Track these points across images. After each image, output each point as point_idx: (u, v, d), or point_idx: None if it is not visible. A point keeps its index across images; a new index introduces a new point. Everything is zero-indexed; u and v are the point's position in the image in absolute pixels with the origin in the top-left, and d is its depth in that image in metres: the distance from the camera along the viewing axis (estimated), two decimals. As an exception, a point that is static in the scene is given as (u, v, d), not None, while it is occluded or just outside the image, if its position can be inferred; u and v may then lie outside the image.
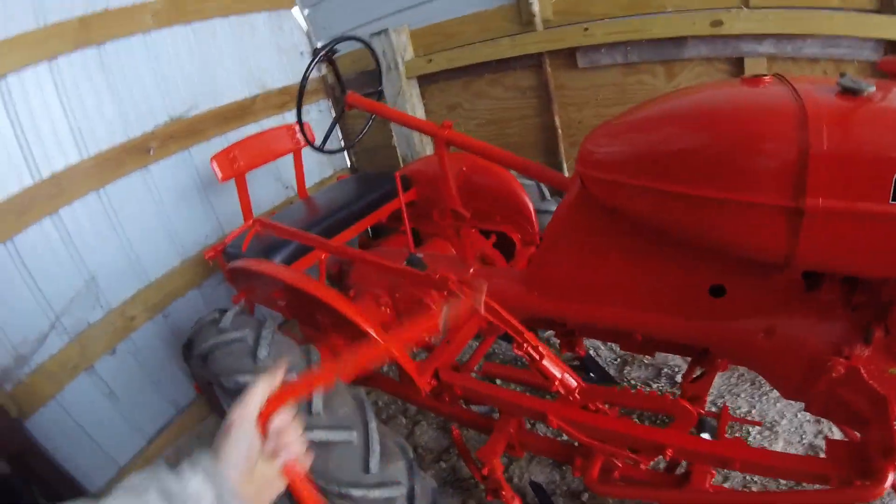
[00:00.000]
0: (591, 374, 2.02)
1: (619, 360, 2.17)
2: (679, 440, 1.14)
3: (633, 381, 2.05)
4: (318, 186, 3.03)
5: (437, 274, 1.35)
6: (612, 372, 2.09)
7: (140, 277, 2.23)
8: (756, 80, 0.95)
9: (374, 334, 1.37)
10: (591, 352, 2.18)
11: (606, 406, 1.31)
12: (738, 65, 2.09)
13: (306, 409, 1.18)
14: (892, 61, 1.03)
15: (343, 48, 1.86)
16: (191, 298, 2.44)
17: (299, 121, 1.79)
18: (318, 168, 3.06)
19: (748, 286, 1.07)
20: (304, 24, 2.98)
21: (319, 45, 3.01)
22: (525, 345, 1.24)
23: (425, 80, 2.59)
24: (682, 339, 1.22)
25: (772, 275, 1.02)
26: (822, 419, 1.84)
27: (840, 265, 0.88)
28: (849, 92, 0.82)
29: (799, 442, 1.75)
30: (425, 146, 2.67)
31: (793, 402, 1.89)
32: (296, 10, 2.93)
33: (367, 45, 1.87)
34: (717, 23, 2.01)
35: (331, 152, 1.95)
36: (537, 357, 1.24)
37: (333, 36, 2.88)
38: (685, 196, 0.91)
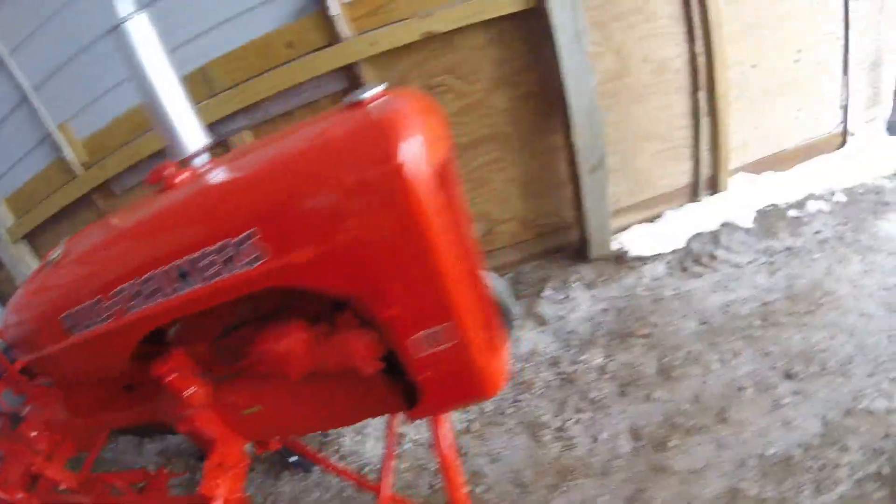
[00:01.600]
0: (292, 459, 2.17)
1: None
2: None
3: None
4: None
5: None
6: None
7: None
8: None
9: None
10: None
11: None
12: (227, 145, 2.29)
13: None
14: (154, 173, 1.11)
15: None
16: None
17: None
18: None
19: (140, 381, 1.31)
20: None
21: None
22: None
23: (34, 235, 2.64)
24: (141, 422, 1.46)
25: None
26: (412, 419, 2.08)
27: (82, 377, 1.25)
28: (49, 263, 1.09)
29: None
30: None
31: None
32: None
33: None
34: (187, 122, 2.27)
35: None
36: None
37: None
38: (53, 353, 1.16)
